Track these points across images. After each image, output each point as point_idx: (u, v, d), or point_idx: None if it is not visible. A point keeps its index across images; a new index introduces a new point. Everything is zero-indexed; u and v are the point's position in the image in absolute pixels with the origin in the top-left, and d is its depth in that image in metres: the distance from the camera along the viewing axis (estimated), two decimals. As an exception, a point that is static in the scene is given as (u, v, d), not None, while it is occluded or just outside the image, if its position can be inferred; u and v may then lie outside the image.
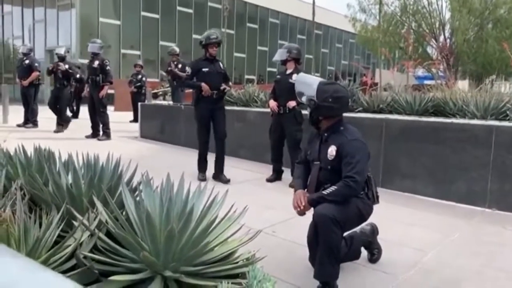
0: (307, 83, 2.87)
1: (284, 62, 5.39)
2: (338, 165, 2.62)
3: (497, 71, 17.27)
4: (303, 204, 2.58)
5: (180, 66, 10.38)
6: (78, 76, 9.68)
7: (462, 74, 22.30)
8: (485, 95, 5.55)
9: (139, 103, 9.97)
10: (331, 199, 2.50)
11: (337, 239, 2.50)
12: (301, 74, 3.34)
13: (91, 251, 1.56)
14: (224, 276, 1.63)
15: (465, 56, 21.02)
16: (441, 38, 21.65)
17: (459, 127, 4.70)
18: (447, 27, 21.99)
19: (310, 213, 2.85)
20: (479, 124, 4.64)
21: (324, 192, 2.56)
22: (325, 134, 2.71)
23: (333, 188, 2.54)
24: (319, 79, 2.88)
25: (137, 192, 1.88)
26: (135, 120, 11.33)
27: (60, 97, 9.37)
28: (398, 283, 2.72)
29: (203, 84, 5.19)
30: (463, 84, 11.10)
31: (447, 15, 21.93)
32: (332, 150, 2.64)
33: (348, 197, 2.55)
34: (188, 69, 5.57)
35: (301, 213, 2.62)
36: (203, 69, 5.28)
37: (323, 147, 2.71)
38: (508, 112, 5.21)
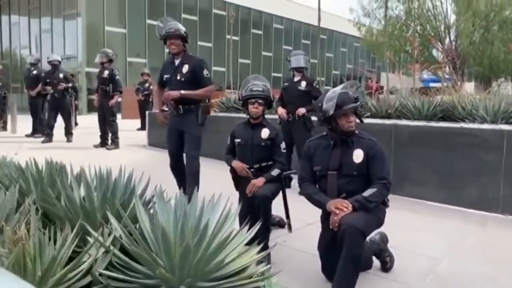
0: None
1: (301, 70, 5.36)
2: (365, 169, 2.59)
3: (504, 72, 17.18)
4: (348, 207, 2.44)
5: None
6: (70, 84, 9.54)
7: (468, 77, 22.21)
8: (494, 99, 5.50)
9: (147, 111, 10.03)
10: (374, 200, 2.47)
11: (362, 249, 2.50)
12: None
13: (106, 268, 1.55)
14: (239, 290, 1.61)
15: (471, 58, 20.96)
16: (447, 41, 21.62)
17: (469, 132, 4.66)
18: (452, 30, 21.97)
19: (318, 223, 2.82)
20: (489, 129, 4.60)
21: (365, 194, 2.48)
22: (351, 139, 2.65)
23: (372, 190, 2.49)
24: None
25: (150, 205, 1.87)
26: (142, 128, 11.41)
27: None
28: (413, 293, 2.69)
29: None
30: (469, 87, 11.01)
31: (452, 18, 21.92)
32: (360, 154, 2.60)
33: (384, 198, 2.57)
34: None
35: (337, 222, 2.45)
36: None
37: (345, 153, 2.64)
38: (518, 116, 5.16)
